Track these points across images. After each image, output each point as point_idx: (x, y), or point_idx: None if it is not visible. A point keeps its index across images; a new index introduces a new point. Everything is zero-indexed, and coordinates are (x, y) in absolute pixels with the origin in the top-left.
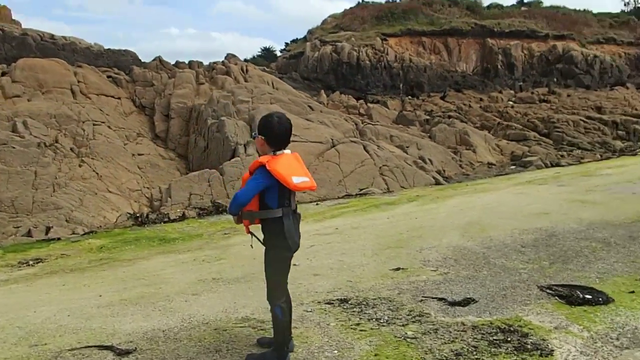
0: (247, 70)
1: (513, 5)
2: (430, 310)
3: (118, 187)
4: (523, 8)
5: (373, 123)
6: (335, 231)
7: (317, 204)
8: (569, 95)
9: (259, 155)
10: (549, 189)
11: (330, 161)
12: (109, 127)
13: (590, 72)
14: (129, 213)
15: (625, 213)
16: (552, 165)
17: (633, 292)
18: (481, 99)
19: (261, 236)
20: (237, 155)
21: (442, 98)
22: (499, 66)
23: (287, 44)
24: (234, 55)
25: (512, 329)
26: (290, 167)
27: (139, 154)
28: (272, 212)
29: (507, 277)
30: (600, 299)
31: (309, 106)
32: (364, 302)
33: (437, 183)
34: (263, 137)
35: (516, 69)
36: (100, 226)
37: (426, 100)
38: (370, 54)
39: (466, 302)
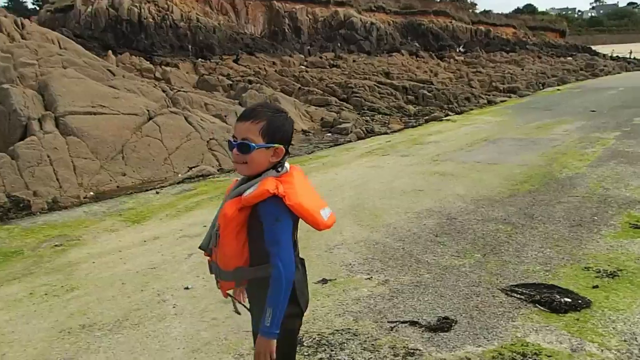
0: (23, 26)
1: None
2: (415, 343)
3: None
4: None
5: (179, 89)
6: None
7: (157, 193)
8: (354, 61)
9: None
10: (396, 160)
11: (150, 136)
12: None
13: (369, 39)
14: None
15: (493, 186)
16: (368, 132)
17: (597, 286)
18: (274, 63)
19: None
20: (30, 133)
21: (235, 61)
22: (286, 30)
23: None
24: None
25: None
26: (311, 195)
27: None
28: None
29: (456, 280)
30: (580, 302)
31: (109, 70)
32: (325, 342)
33: None
34: (283, 147)
35: (303, 33)
36: None
37: (220, 64)
38: (153, 12)
39: (445, 324)
